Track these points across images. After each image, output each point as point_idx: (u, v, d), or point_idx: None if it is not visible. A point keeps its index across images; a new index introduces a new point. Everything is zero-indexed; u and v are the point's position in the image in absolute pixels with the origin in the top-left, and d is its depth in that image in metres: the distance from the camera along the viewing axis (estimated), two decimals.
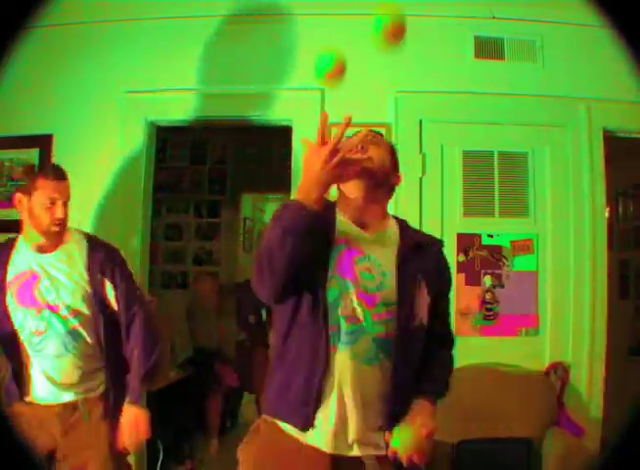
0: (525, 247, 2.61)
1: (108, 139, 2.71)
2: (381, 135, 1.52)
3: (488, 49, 2.67)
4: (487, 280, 2.60)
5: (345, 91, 2.64)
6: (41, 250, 1.92)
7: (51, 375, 1.86)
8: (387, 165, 1.41)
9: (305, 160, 1.28)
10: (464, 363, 2.48)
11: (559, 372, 2.49)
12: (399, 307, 1.32)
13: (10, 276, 1.89)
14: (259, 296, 1.29)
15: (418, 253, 1.40)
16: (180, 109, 2.74)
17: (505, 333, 2.58)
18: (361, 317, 1.29)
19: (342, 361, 1.28)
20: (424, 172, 2.62)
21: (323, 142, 1.28)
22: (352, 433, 1.28)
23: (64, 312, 1.86)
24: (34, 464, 0.68)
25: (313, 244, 1.23)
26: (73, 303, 1.87)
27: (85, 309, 1.89)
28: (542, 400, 2.35)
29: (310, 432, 1.29)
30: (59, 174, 1.92)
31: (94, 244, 1.99)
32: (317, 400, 1.27)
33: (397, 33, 1.49)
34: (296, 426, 1.30)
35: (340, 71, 1.41)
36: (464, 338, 2.56)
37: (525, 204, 2.63)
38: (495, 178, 2.63)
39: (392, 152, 1.47)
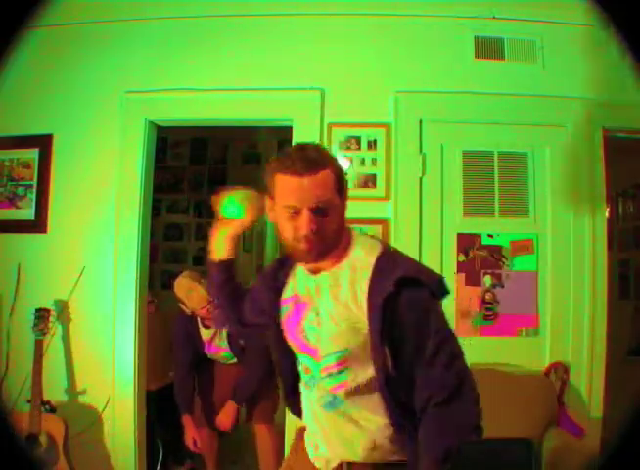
0: (525, 247, 2.61)
1: (108, 139, 2.71)
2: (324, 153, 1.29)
3: (488, 49, 2.67)
4: (487, 280, 2.60)
5: (345, 91, 2.65)
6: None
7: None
8: (339, 223, 1.25)
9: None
10: None
11: (559, 372, 2.49)
12: (355, 357, 1.23)
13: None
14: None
15: (376, 296, 1.20)
16: (180, 109, 2.74)
17: (505, 333, 2.57)
18: (312, 369, 1.31)
19: (309, 400, 1.35)
20: (424, 172, 2.62)
21: None
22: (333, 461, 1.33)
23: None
24: (34, 464, 0.68)
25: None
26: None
27: None
28: (542, 400, 2.35)
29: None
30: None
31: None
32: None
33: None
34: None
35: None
36: (464, 338, 2.56)
37: (525, 204, 2.63)
38: (495, 178, 2.63)
39: (336, 173, 1.25)
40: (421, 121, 2.63)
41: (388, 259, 1.25)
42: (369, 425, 1.27)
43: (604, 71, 2.55)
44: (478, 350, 2.54)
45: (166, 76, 2.72)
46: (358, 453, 1.28)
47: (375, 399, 1.24)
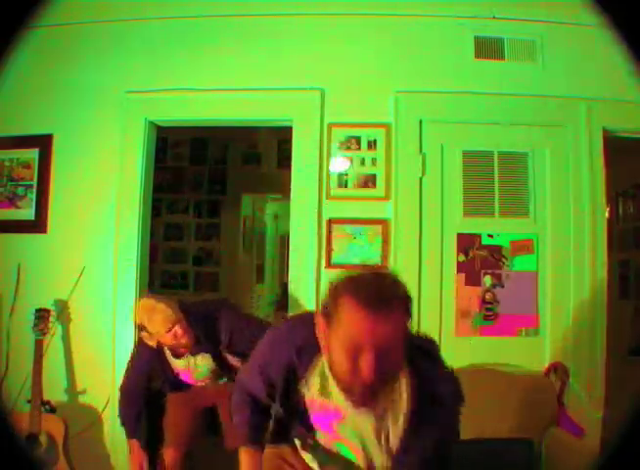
0: (525, 247, 2.61)
1: (108, 139, 2.71)
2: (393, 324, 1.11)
3: (488, 49, 2.67)
4: (487, 280, 2.60)
5: (345, 91, 2.65)
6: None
7: None
8: (397, 370, 1.16)
9: None
10: (464, 363, 2.48)
11: (559, 372, 2.48)
12: None
13: None
14: None
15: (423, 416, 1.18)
16: (180, 109, 2.74)
17: (505, 333, 2.57)
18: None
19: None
20: (424, 172, 2.62)
21: None
22: None
23: None
24: (34, 464, 0.68)
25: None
26: None
27: None
28: (542, 400, 2.35)
29: None
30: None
31: None
32: None
33: None
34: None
35: None
36: (464, 338, 2.57)
37: (525, 204, 2.63)
38: (495, 178, 2.63)
39: (408, 309, 1.16)
40: (421, 121, 2.63)
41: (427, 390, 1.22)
42: None
43: (604, 71, 2.55)
44: (478, 350, 2.55)
45: (166, 76, 2.72)
46: None
47: None
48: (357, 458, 1.24)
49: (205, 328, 2.25)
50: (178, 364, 2.36)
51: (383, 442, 1.20)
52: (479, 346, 2.56)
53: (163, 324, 2.15)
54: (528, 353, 2.55)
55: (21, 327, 2.61)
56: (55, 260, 2.70)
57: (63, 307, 2.66)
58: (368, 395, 1.10)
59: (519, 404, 2.31)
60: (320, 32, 2.68)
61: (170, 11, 2.71)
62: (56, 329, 2.65)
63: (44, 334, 2.54)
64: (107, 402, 2.61)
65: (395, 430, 1.18)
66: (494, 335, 2.57)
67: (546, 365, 2.52)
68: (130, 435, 2.42)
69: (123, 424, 2.41)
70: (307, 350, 1.21)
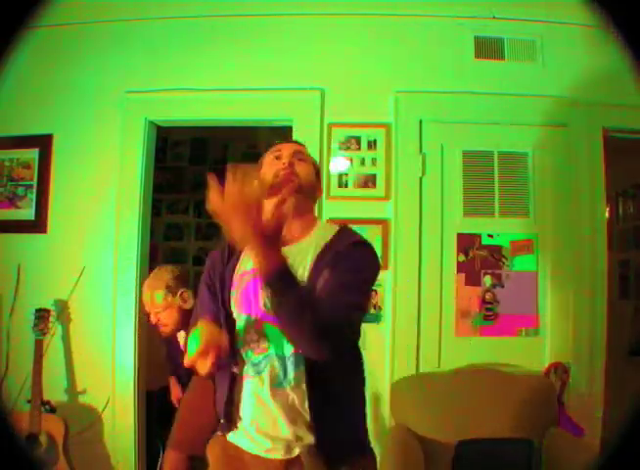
0: (525, 247, 2.61)
1: (108, 139, 2.72)
2: (305, 148, 1.55)
3: (488, 49, 2.67)
4: (487, 280, 2.60)
5: (345, 91, 2.65)
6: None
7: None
8: (312, 180, 1.46)
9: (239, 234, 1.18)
10: (464, 363, 2.49)
11: (559, 372, 2.49)
12: None
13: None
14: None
15: (328, 259, 1.33)
16: (180, 109, 2.74)
17: (505, 333, 2.58)
18: (265, 346, 1.33)
19: (257, 388, 1.33)
20: (424, 172, 2.62)
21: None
22: (282, 445, 1.32)
23: None
24: (34, 464, 0.68)
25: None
26: None
27: None
28: (542, 400, 2.35)
29: (248, 441, 1.36)
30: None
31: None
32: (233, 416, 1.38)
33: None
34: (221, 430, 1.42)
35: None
36: (464, 338, 2.57)
37: (525, 204, 2.63)
38: (495, 178, 2.63)
39: (316, 167, 1.53)
40: (421, 121, 2.63)
41: (347, 231, 1.44)
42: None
43: (604, 71, 2.55)
44: (478, 350, 2.55)
45: (167, 76, 2.72)
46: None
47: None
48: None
49: None
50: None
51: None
52: (479, 346, 2.56)
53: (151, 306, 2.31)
54: (528, 353, 2.56)
55: (21, 327, 2.61)
56: (55, 260, 2.70)
57: (63, 307, 2.66)
58: (289, 181, 1.37)
59: (519, 404, 2.31)
60: (320, 32, 2.68)
61: (170, 11, 2.71)
62: (56, 329, 2.66)
63: (44, 334, 2.54)
64: (107, 402, 2.61)
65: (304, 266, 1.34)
66: (494, 335, 2.57)
67: (546, 365, 2.52)
68: (170, 372, 2.68)
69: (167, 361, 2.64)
70: (231, 248, 1.44)
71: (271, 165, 1.45)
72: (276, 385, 1.32)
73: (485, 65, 2.66)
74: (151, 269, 2.59)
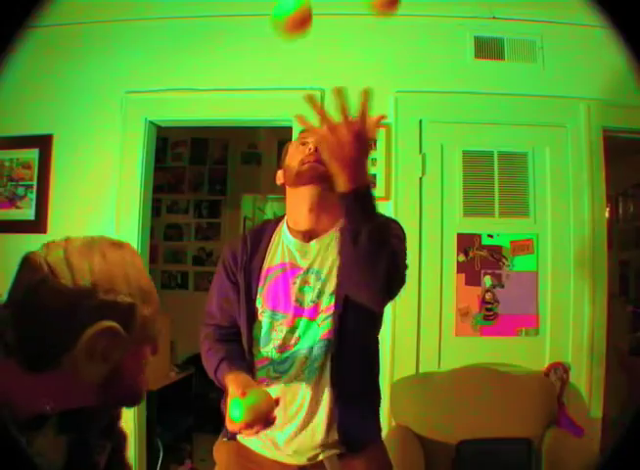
0: (525, 247, 2.61)
1: (108, 139, 2.71)
2: None
3: (488, 49, 2.67)
4: (487, 280, 2.60)
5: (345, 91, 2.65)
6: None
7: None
8: None
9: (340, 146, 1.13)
10: (464, 363, 2.49)
11: (559, 372, 2.49)
12: (336, 307, 1.30)
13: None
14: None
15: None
16: (180, 109, 2.74)
17: (505, 333, 2.57)
18: (294, 342, 1.30)
19: (281, 388, 1.29)
20: (424, 172, 2.62)
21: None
22: (310, 446, 1.29)
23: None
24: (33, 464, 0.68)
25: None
26: None
27: None
28: (542, 400, 2.35)
29: (262, 445, 1.32)
30: None
31: None
32: None
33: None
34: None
35: (304, 21, 1.16)
36: (464, 338, 2.57)
37: (525, 204, 2.63)
38: (495, 178, 2.63)
39: None
40: (421, 121, 2.63)
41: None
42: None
43: (604, 71, 2.55)
44: (478, 350, 2.55)
45: (166, 76, 2.72)
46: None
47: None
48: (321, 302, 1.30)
49: None
50: None
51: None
52: (479, 346, 2.56)
53: None
54: (528, 353, 2.56)
55: None
56: None
57: None
58: (316, 167, 1.30)
59: (519, 404, 2.31)
60: (320, 32, 2.67)
61: (170, 11, 2.71)
62: None
63: None
64: None
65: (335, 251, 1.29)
66: (494, 335, 2.57)
67: (546, 365, 2.52)
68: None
69: None
70: (254, 233, 1.44)
71: (297, 152, 1.38)
72: (299, 381, 1.29)
73: (485, 65, 2.66)
74: (151, 269, 2.60)
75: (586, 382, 2.52)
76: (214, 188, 4.66)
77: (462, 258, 2.60)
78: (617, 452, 0.63)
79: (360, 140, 1.11)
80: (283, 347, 1.31)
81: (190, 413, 3.63)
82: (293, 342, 1.30)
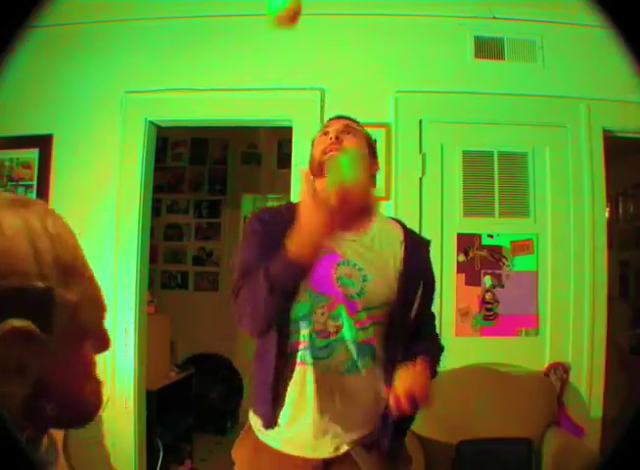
0: (525, 247, 2.61)
1: (108, 139, 2.71)
2: (357, 123, 1.44)
3: (488, 49, 2.67)
4: (487, 280, 2.60)
5: (345, 91, 2.65)
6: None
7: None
8: (364, 153, 1.36)
9: (304, 212, 1.08)
10: (464, 363, 2.49)
11: (559, 372, 2.49)
12: (393, 310, 1.30)
13: None
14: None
15: (415, 253, 1.38)
16: (180, 109, 2.74)
17: (505, 333, 2.57)
18: (335, 329, 1.26)
19: (317, 376, 1.25)
20: (424, 172, 2.62)
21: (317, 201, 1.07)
22: (335, 441, 1.27)
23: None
24: (34, 464, 0.68)
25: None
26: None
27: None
28: (542, 400, 2.35)
29: (287, 440, 1.29)
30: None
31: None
32: (278, 410, 1.28)
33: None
34: (263, 425, 1.31)
35: (295, 15, 1.18)
36: (464, 338, 2.57)
37: (526, 204, 2.63)
38: (495, 178, 2.63)
39: (369, 140, 1.44)
40: (421, 121, 2.63)
41: (412, 232, 1.45)
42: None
43: (604, 71, 2.55)
44: (478, 350, 2.55)
45: (166, 76, 2.72)
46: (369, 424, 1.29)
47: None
48: (365, 284, 1.29)
49: None
50: None
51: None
52: (479, 346, 2.56)
53: None
54: (528, 353, 2.56)
55: None
56: None
57: None
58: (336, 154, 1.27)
59: (519, 404, 2.31)
60: (320, 32, 2.68)
61: (170, 11, 2.71)
62: None
63: None
64: (106, 402, 2.61)
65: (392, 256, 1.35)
66: (494, 335, 2.57)
67: (546, 365, 2.52)
68: None
69: None
70: (287, 207, 1.35)
71: (320, 143, 1.38)
72: (344, 372, 1.26)
73: (485, 65, 2.66)
74: (151, 269, 2.60)
75: (586, 382, 2.52)
76: (214, 188, 4.66)
77: (462, 258, 2.60)
78: (617, 452, 0.63)
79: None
80: (324, 332, 1.26)
81: (190, 413, 3.63)
82: (334, 329, 1.26)
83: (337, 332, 1.26)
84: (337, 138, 1.34)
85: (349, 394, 1.27)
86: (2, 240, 0.56)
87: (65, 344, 0.60)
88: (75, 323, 0.61)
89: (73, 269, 0.64)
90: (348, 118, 1.44)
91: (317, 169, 1.34)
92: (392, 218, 1.50)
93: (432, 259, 1.45)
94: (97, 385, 0.67)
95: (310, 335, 1.26)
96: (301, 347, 1.27)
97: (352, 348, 1.26)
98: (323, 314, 1.26)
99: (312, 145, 1.43)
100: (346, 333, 1.26)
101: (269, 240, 1.21)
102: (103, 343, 0.67)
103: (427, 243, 1.45)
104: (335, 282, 1.27)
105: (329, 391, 1.26)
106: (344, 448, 1.28)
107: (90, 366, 0.65)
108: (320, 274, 1.24)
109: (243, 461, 1.36)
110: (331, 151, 1.32)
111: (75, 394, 0.64)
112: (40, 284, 0.57)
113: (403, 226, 1.45)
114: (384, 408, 1.27)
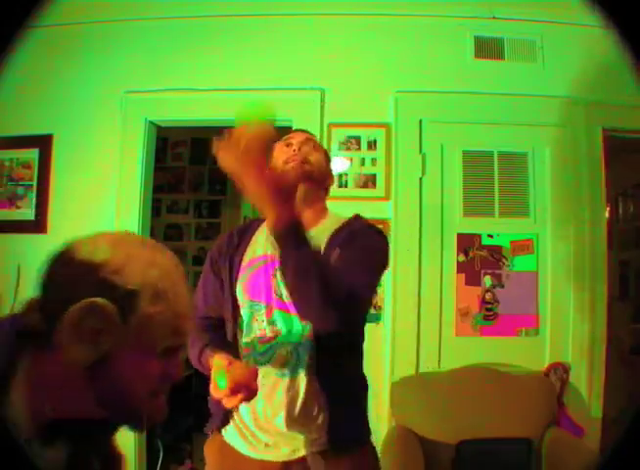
0: (525, 247, 2.61)
1: (108, 139, 2.72)
2: (314, 137, 1.53)
3: (488, 49, 2.68)
4: (487, 280, 2.60)
5: (345, 91, 2.65)
6: None
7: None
8: (323, 167, 1.44)
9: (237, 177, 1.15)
10: (464, 363, 2.49)
11: (559, 372, 2.49)
12: None
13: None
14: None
15: (342, 236, 1.34)
16: (180, 109, 2.74)
17: (505, 333, 2.58)
18: (274, 334, 1.31)
19: (259, 381, 1.26)
20: (424, 172, 2.62)
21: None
22: (293, 444, 1.30)
23: None
24: (34, 464, 0.68)
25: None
26: None
27: None
28: (542, 400, 2.35)
29: (246, 442, 1.33)
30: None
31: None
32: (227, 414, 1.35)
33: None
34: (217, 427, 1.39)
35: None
36: (464, 338, 2.57)
37: (526, 204, 2.63)
38: (495, 178, 2.63)
39: (327, 155, 1.52)
40: (421, 121, 2.63)
41: (361, 217, 1.44)
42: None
43: (604, 71, 2.55)
44: (478, 350, 2.55)
45: (166, 76, 2.72)
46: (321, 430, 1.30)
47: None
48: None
49: None
50: None
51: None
52: (479, 346, 2.56)
53: None
54: (528, 353, 2.56)
55: None
56: None
57: None
58: (299, 166, 1.36)
59: (519, 404, 2.31)
60: (320, 32, 2.68)
61: (170, 11, 2.71)
62: None
63: None
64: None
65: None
66: (494, 335, 2.57)
67: (546, 365, 2.52)
68: None
69: None
70: (240, 228, 1.48)
71: (281, 152, 1.42)
72: (282, 375, 1.29)
73: (485, 65, 2.66)
74: None
75: (586, 382, 2.52)
76: (214, 188, 4.66)
77: (462, 258, 2.60)
78: (617, 452, 0.63)
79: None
80: (264, 338, 1.32)
81: (190, 413, 3.63)
82: (273, 334, 1.31)
83: (275, 337, 1.31)
84: (299, 149, 1.40)
85: (292, 397, 1.29)
86: (127, 255, 0.75)
87: (131, 343, 0.73)
88: (144, 332, 0.73)
89: (165, 295, 0.75)
90: (309, 133, 1.53)
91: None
92: (353, 217, 1.44)
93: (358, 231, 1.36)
94: (158, 402, 0.82)
95: (252, 342, 1.33)
96: (245, 353, 1.34)
97: (291, 351, 1.29)
98: (262, 321, 1.32)
99: (270, 154, 1.43)
100: (285, 337, 1.30)
101: (214, 274, 1.43)
102: (172, 375, 0.80)
103: (363, 228, 1.38)
104: (273, 288, 1.32)
105: (272, 394, 1.29)
106: (301, 453, 1.30)
107: (149, 379, 0.77)
108: (258, 282, 1.34)
109: (210, 462, 1.42)
110: (293, 161, 1.38)
111: (130, 390, 0.75)
112: (130, 286, 0.72)
113: (353, 221, 1.41)
114: (326, 412, 1.29)
